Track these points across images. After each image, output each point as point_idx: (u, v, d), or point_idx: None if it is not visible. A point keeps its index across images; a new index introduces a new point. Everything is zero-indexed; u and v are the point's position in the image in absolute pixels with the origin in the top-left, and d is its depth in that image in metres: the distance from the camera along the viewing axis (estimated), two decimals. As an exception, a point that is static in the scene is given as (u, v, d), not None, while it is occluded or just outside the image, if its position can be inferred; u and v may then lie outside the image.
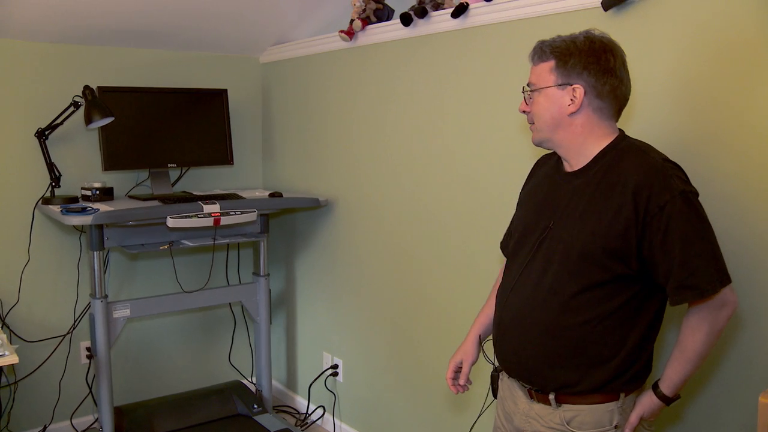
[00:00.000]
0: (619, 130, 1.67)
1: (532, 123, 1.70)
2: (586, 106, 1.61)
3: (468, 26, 2.49)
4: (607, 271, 1.56)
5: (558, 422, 1.66)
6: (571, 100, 1.60)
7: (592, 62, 1.58)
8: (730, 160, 1.80)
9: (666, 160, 1.59)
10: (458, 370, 1.98)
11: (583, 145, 1.64)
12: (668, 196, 1.50)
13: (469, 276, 2.60)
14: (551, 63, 1.62)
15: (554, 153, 1.76)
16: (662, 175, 1.53)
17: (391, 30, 2.81)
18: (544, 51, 1.64)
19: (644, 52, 1.95)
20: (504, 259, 2.00)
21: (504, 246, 1.97)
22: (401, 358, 2.98)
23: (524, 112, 1.72)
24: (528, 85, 1.69)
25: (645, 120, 1.98)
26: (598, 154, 1.63)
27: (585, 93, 1.59)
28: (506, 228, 1.96)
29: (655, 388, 1.65)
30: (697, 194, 1.56)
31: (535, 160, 1.92)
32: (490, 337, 1.91)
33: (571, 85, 1.60)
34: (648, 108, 1.97)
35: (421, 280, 2.83)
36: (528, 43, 1.69)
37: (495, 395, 1.90)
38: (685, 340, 1.59)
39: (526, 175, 1.91)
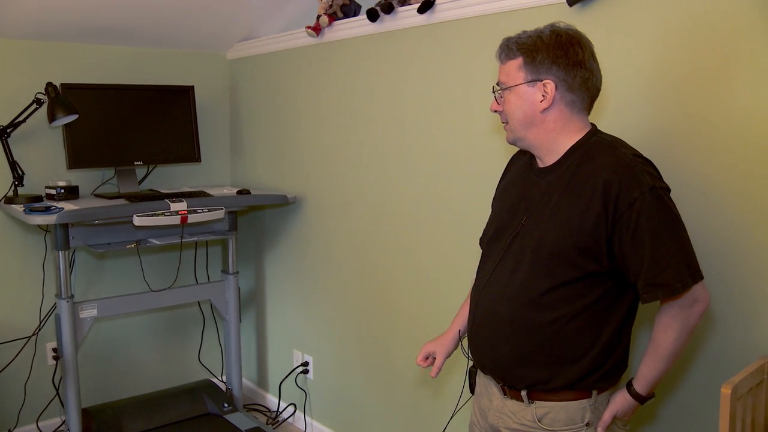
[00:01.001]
0: (591, 124, 1.66)
1: (505, 122, 1.69)
2: (558, 100, 1.60)
3: (434, 22, 2.50)
4: (577, 268, 1.56)
5: (530, 419, 1.66)
6: (543, 95, 1.59)
7: (560, 56, 1.57)
8: (701, 155, 1.82)
9: (636, 155, 1.58)
10: (429, 357, 1.98)
11: (555, 141, 1.63)
12: (638, 193, 1.49)
13: (438, 272, 2.61)
14: (519, 60, 1.61)
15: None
16: (632, 170, 1.52)
17: (357, 26, 2.81)
18: (510, 48, 1.63)
19: (611, 47, 1.96)
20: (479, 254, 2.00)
21: (482, 241, 1.98)
22: (371, 354, 2.98)
23: (496, 111, 1.70)
24: (498, 84, 1.67)
25: (615, 114, 1.99)
26: (569, 149, 1.62)
27: (556, 87, 1.58)
28: (483, 223, 1.97)
29: (629, 386, 1.65)
30: (668, 190, 1.55)
31: (502, 156, 1.93)
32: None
33: (541, 80, 1.59)
34: (618, 102, 1.99)
35: (390, 277, 2.83)
36: (494, 38, 1.69)
37: (472, 391, 1.90)
38: (657, 338, 1.58)
39: (493, 172, 1.93)
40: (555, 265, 1.58)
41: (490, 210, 1.88)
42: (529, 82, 1.60)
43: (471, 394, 1.91)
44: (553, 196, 1.62)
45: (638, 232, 1.50)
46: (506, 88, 1.64)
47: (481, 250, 1.86)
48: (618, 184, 1.50)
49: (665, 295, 1.52)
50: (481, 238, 1.96)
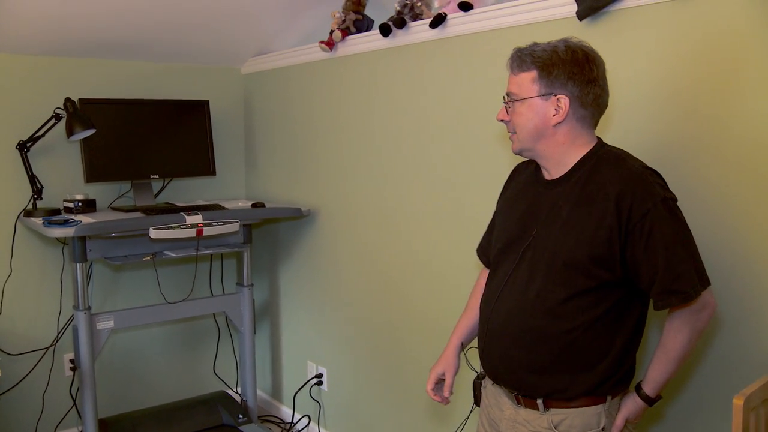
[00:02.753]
0: (597, 138, 1.69)
1: (513, 132, 1.69)
2: (570, 115, 1.61)
3: (446, 36, 2.53)
4: (592, 278, 1.58)
5: (546, 426, 1.67)
6: (556, 110, 1.60)
7: (576, 72, 1.59)
8: (706, 166, 1.84)
9: (645, 167, 1.61)
10: (439, 381, 1.97)
11: (564, 154, 1.65)
12: (650, 204, 1.52)
13: (451, 284, 2.63)
14: (533, 73, 1.61)
15: (532, 161, 1.77)
16: (643, 182, 1.55)
17: (370, 40, 2.84)
18: (524, 60, 1.63)
19: (618, 61, 1.98)
20: (482, 266, 2.02)
21: (481, 252, 1.99)
22: (385, 366, 2.99)
23: (503, 121, 1.72)
24: (508, 94, 1.68)
25: (622, 128, 2.01)
26: (577, 162, 1.64)
27: (570, 103, 1.60)
28: (483, 233, 1.99)
29: (638, 389, 1.68)
30: (676, 200, 1.58)
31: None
32: (472, 344, 1.93)
33: (555, 95, 1.60)
34: (625, 116, 2.01)
35: (404, 289, 2.85)
36: (505, 52, 1.70)
37: (477, 403, 1.91)
38: (667, 342, 1.62)
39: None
40: (570, 275, 1.60)
41: (491, 221, 1.90)
42: (543, 95, 1.61)
43: (477, 406, 1.92)
44: (564, 208, 1.63)
45: (651, 242, 1.52)
46: (518, 100, 1.65)
47: (479, 260, 1.87)
48: (631, 196, 1.53)
49: (679, 302, 1.55)
50: (478, 249, 1.98)
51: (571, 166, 1.65)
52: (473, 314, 1.95)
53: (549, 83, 1.60)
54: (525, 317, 1.66)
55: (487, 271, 1.93)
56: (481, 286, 1.95)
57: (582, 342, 1.61)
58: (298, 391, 3.50)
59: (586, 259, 1.57)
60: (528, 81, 1.62)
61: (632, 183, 1.55)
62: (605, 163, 1.62)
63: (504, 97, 1.71)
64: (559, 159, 1.66)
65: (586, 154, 1.65)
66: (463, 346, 1.97)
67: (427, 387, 1.97)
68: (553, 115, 1.61)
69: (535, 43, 1.65)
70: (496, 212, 1.91)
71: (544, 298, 1.63)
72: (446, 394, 1.95)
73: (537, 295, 1.64)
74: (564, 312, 1.61)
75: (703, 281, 1.56)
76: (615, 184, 1.56)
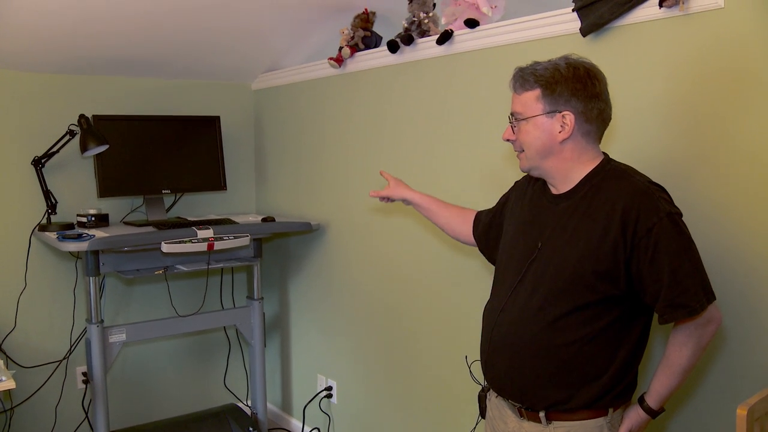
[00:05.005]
0: (604, 153, 1.71)
1: (521, 151, 1.71)
2: (576, 131, 1.63)
3: (453, 52, 2.56)
4: (595, 292, 1.59)
5: None
6: (561, 126, 1.62)
7: (579, 89, 1.61)
8: (710, 181, 1.85)
9: (650, 182, 1.63)
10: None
11: (571, 170, 1.67)
12: (656, 218, 1.54)
13: (462, 297, 2.65)
14: (537, 92, 1.63)
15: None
16: (649, 197, 1.56)
17: (378, 57, 2.88)
18: (526, 80, 1.65)
19: (622, 76, 2.00)
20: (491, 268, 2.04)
21: (476, 217, 2.10)
22: (395, 379, 3.01)
23: (509, 140, 1.74)
24: (512, 114, 1.70)
25: (626, 142, 2.03)
26: (584, 177, 1.67)
27: (575, 119, 1.62)
28: (489, 216, 2.06)
29: (641, 401, 1.69)
30: (681, 215, 1.60)
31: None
32: (476, 358, 1.95)
33: (560, 112, 1.62)
34: (631, 130, 2.03)
35: (413, 302, 2.87)
36: (511, 68, 1.71)
37: (483, 415, 1.92)
38: (672, 355, 1.63)
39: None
40: (574, 288, 1.61)
41: (493, 213, 2.00)
42: (548, 113, 1.63)
43: (482, 419, 1.93)
44: (570, 222, 1.65)
45: (657, 256, 1.54)
46: (523, 119, 1.67)
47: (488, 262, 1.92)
48: (636, 210, 1.55)
49: (684, 316, 1.56)
50: (477, 218, 2.09)
51: (577, 181, 1.68)
52: (448, 210, 2.18)
53: (553, 100, 1.62)
54: (527, 329, 1.68)
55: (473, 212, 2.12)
56: (460, 209, 2.16)
57: (584, 355, 1.62)
58: (307, 404, 3.52)
59: (590, 273, 1.59)
60: (532, 99, 1.64)
61: (638, 198, 1.56)
62: (611, 178, 1.64)
63: (509, 117, 1.73)
64: (566, 175, 1.68)
65: (593, 169, 1.67)
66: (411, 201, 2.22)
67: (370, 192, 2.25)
68: (559, 132, 1.63)
69: (536, 62, 1.67)
70: (504, 219, 1.94)
71: (547, 311, 1.65)
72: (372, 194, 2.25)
73: (540, 308, 1.66)
74: (567, 325, 1.63)
75: (709, 295, 1.57)
76: (621, 199, 1.57)
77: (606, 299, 1.60)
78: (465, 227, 2.12)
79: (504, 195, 2.01)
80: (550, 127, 1.64)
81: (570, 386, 1.64)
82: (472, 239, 2.10)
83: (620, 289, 1.59)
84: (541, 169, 1.71)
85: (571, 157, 1.66)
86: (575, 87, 1.61)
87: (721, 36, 1.81)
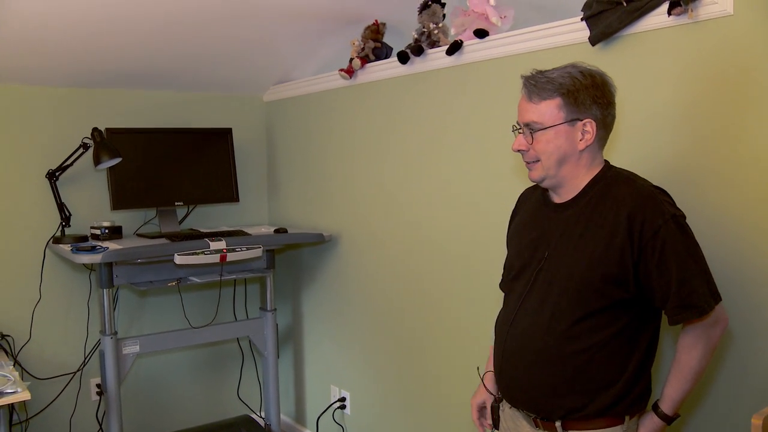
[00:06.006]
0: (604, 159, 1.71)
1: (535, 161, 1.68)
2: (594, 138, 1.64)
3: (462, 63, 2.57)
4: (605, 297, 1.60)
5: None
6: (582, 134, 1.62)
7: (599, 96, 1.62)
8: (718, 189, 1.85)
9: (653, 186, 1.65)
10: (481, 409, 1.97)
11: (579, 177, 1.68)
12: (661, 221, 1.55)
13: (476, 307, 2.64)
14: (557, 100, 1.61)
15: (537, 186, 1.80)
16: (653, 201, 1.58)
17: (389, 68, 2.89)
18: (543, 88, 1.62)
19: (631, 85, 2.00)
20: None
21: (503, 286, 1.96)
22: (408, 390, 3.00)
23: (520, 150, 1.70)
24: (527, 124, 1.66)
25: (634, 151, 2.03)
26: (587, 184, 1.67)
27: (596, 126, 1.63)
28: (501, 267, 1.99)
29: (656, 408, 1.69)
30: (685, 217, 1.61)
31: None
32: (489, 368, 1.94)
33: (581, 120, 1.62)
34: (637, 139, 2.03)
35: (427, 312, 2.86)
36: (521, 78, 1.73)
37: (496, 426, 1.92)
38: (682, 358, 1.64)
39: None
40: (584, 295, 1.61)
41: (506, 249, 1.92)
42: (569, 121, 1.62)
43: (496, 430, 1.92)
44: (576, 229, 1.65)
45: (664, 258, 1.55)
46: (541, 129, 1.64)
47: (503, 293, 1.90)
48: (642, 214, 1.56)
49: (694, 316, 1.57)
50: (500, 284, 1.97)
51: (581, 188, 1.68)
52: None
53: (575, 109, 1.61)
54: (539, 339, 1.67)
55: None
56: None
57: (597, 362, 1.62)
58: (321, 415, 3.51)
59: (599, 279, 1.59)
60: (552, 108, 1.62)
61: (642, 202, 1.58)
62: (614, 183, 1.65)
63: (517, 127, 1.71)
64: (574, 182, 1.69)
65: (595, 176, 1.68)
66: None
67: (473, 417, 1.98)
68: (580, 140, 1.63)
69: (541, 71, 1.66)
70: (507, 240, 1.94)
71: (558, 320, 1.65)
72: (489, 421, 1.95)
73: (551, 317, 1.66)
74: (578, 332, 1.62)
75: (715, 296, 1.59)
76: (626, 204, 1.58)
77: (615, 305, 1.60)
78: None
79: (510, 218, 1.98)
80: (572, 135, 1.63)
81: (584, 394, 1.64)
82: None
83: (629, 292, 1.59)
84: (556, 178, 1.68)
85: (585, 164, 1.67)
86: (596, 95, 1.62)
87: (730, 43, 1.80)
